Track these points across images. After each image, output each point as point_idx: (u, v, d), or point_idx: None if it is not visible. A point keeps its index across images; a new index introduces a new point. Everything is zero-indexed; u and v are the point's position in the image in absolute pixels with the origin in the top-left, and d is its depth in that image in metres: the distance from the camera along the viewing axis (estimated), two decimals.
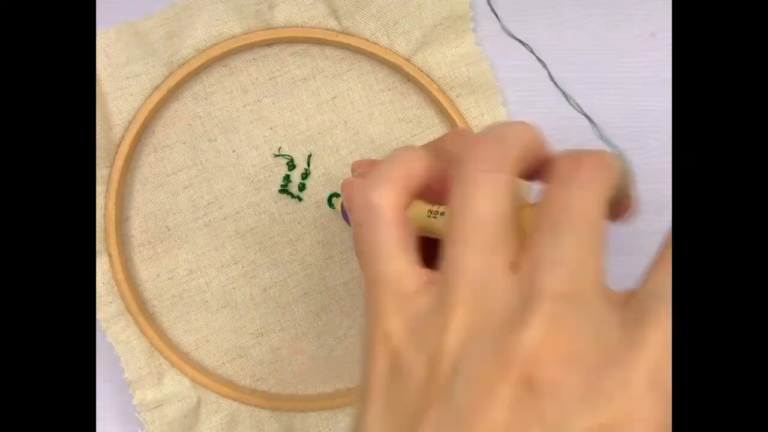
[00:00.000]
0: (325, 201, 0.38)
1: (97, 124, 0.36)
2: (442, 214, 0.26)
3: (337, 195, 0.38)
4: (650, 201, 0.39)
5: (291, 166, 0.38)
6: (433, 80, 0.37)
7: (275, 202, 0.38)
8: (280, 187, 0.38)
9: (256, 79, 0.38)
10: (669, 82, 0.37)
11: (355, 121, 0.38)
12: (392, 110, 0.38)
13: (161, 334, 0.37)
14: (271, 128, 0.38)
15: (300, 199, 0.38)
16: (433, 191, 0.26)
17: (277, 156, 0.38)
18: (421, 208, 0.27)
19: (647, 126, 0.38)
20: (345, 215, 0.33)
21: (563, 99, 0.38)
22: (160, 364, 0.37)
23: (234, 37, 0.37)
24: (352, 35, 0.37)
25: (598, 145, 0.38)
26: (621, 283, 0.38)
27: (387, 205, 0.25)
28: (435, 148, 0.27)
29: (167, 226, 0.38)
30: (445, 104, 0.37)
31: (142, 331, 0.37)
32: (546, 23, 0.37)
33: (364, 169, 0.30)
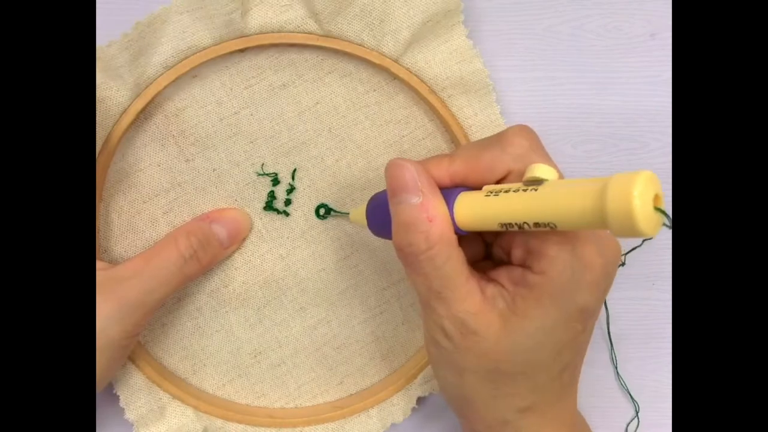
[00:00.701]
0: (313, 213, 0.37)
1: None
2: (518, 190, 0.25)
3: (324, 206, 0.37)
4: None
5: (275, 182, 0.37)
6: (423, 81, 0.35)
7: (261, 219, 0.37)
8: (265, 204, 0.37)
9: (231, 89, 0.36)
10: (669, 82, 0.37)
11: (339, 127, 0.36)
12: (379, 112, 0.37)
13: (156, 365, 0.36)
14: (251, 142, 0.36)
15: (287, 214, 0.37)
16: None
17: (260, 175, 0.36)
18: (472, 194, 0.27)
19: (647, 126, 0.38)
20: (375, 225, 0.32)
21: (561, 98, 0.38)
22: (161, 398, 0.36)
23: (205, 49, 0.34)
24: (335, 38, 0.35)
25: (596, 142, 0.38)
26: (621, 281, 0.38)
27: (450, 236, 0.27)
28: (501, 141, 0.28)
29: None
30: (437, 105, 0.35)
31: (137, 366, 0.36)
32: (546, 23, 0.37)
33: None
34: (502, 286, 0.28)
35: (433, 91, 0.36)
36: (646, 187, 0.21)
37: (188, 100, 0.36)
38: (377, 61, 0.35)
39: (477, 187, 0.28)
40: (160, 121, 0.36)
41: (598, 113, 0.38)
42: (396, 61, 0.35)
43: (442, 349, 0.29)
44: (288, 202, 0.37)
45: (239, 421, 0.37)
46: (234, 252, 0.36)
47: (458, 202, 0.27)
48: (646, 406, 0.39)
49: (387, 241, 0.36)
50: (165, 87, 0.34)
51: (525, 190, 0.25)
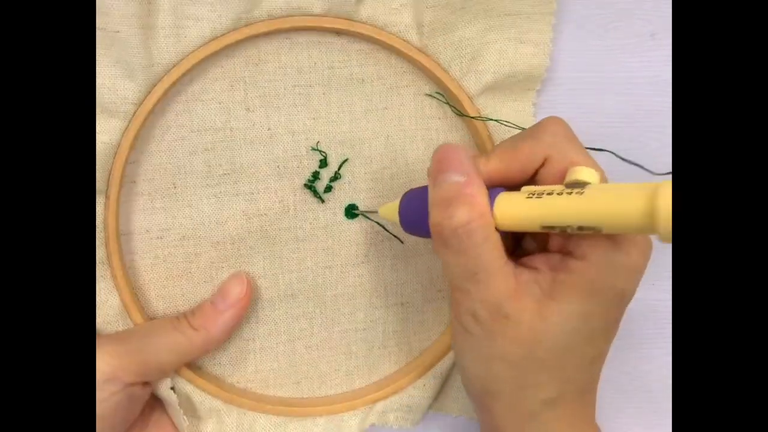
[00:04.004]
0: (343, 208, 0.38)
1: (135, 55, 0.33)
2: (556, 193, 0.25)
3: (355, 206, 0.37)
4: None
5: (323, 163, 0.37)
6: (486, 126, 0.37)
7: (294, 194, 0.37)
8: (306, 181, 0.37)
9: (315, 63, 0.36)
10: (669, 82, 0.37)
11: (397, 138, 0.37)
12: (436, 139, 0.38)
13: (133, 295, 0.35)
14: (314, 118, 0.36)
15: (321, 201, 0.37)
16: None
17: (313, 150, 0.37)
18: (513, 195, 0.27)
19: (647, 126, 0.38)
20: (408, 216, 0.32)
21: (562, 98, 0.38)
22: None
23: (311, 15, 0.34)
24: (427, 56, 0.36)
25: (597, 142, 0.38)
26: None
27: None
28: (537, 130, 0.28)
29: (174, 184, 0.35)
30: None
31: (117, 287, 0.35)
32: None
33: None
34: (538, 272, 0.28)
35: (491, 138, 0.37)
36: None
37: (273, 55, 0.36)
38: (455, 92, 0.36)
39: (514, 187, 0.28)
40: (239, 64, 0.35)
41: (598, 113, 0.38)
42: (471, 98, 0.36)
43: (470, 337, 0.28)
44: (328, 189, 0.37)
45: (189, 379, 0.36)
46: (240, 312, 0.35)
47: (498, 202, 0.27)
48: (646, 406, 0.39)
49: (396, 263, 0.37)
50: (259, 34, 0.35)
51: (569, 193, 0.25)
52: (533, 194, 0.26)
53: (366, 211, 0.37)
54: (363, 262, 0.38)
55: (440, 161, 0.28)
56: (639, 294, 0.38)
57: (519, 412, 0.28)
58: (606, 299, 0.27)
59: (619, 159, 0.37)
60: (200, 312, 0.34)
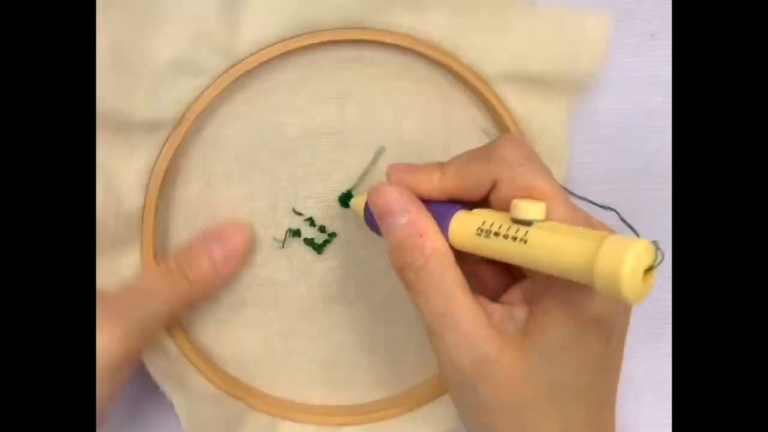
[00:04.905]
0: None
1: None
2: (506, 236, 0.25)
3: (350, 195, 0.37)
4: (650, 201, 0.39)
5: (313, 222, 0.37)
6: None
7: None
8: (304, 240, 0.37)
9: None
10: (669, 82, 0.37)
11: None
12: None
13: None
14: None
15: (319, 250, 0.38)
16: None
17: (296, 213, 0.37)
18: (464, 227, 0.27)
19: (647, 126, 0.38)
20: (371, 222, 0.32)
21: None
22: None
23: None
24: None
25: (596, 142, 0.38)
26: None
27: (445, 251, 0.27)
28: (488, 152, 0.28)
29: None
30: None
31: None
32: None
33: (400, 174, 0.29)
34: (513, 306, 0.27)
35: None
36: (639, 258, 0.21)
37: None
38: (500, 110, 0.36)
39: (470, 201, 0.28)
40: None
41: (598, 113, 0.38)
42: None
43: (457, 386, 0.28)
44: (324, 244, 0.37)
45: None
46: (235, 271, 0.35)
47: (452, 230, 0.27)
48: (646, 406, 0.39)
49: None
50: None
51: (515, 239, 0.25)
52: (482, 231, 0.26)
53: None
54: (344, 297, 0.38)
55: (379, 207, 0.28)
56: None
57: None
58: (580, 324, 0.26)
59: (612, 152, 0.37)
60: (198, 265, 0.33)
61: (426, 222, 0.27)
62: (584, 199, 0.29)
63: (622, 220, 0.27)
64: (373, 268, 0.37)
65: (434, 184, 0.28)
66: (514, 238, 0.25)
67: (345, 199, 0.37)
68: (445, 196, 0.28)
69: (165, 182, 0.34)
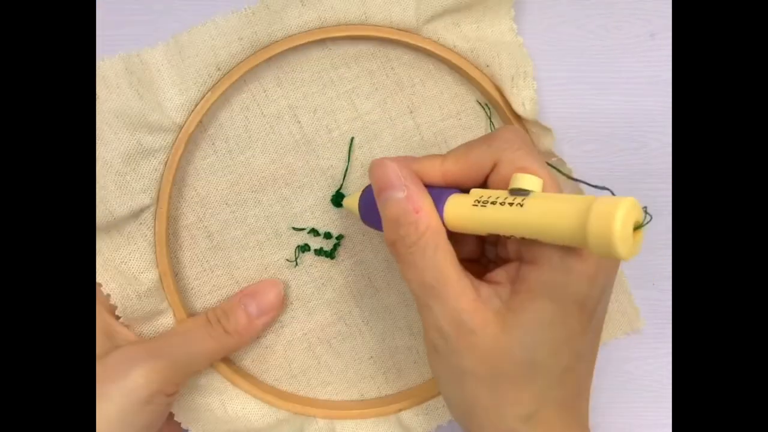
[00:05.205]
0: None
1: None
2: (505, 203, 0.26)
3: (342, 195, 0.37)
4: (650, 201, 0.39)
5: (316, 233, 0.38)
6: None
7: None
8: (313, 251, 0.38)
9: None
10: (669, 82, 0.37)
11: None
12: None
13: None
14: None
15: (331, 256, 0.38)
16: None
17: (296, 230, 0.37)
18: (461, 201, 0.28)
19: (647, 126, 0.38)
20: (368, 217, 0.32)
21: (561, 98, 0.38)
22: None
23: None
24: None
25: (596, 142, 0.38)
26: (620, 279, 0.38)
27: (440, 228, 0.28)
28: (489, 137, 0.29)
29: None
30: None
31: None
32: (546, 23, 0.37)
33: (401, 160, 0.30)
34: (498, 285, 0.28)
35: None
36: (628, 214, 0.22)
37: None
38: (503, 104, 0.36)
39: (469, 187, 0.29)
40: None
41: (598, 113, 0.38)
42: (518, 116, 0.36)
43: (440, 354, 0.28)
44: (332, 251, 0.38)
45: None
46: (270, 322, 0.37)
47: (447, 206, 0.28)
48: (646, 406, 0.39)
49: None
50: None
51: (511, 204, 0.26)
52: (479, 201, 0.27)
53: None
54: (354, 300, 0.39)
55: (378, 179, 0.29)
56: (639, 293, 0.39)
57: (499, 429, 0.28)
58: (562, 306, 0.27)
59: (612, 152, 0.37)
60: (234, 318, 0.35)
61: (423, 199, 0.28)
62: (580, 180, 0.31)
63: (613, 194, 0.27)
64: (390, 255, 0.38)
65: (436, 170, 0.29)
66: (511, 204, 0.25)
67: (338, 199, 0.37)
68: (445, 181, 0.29)
69: (170, 248, 0.36)
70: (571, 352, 0.28)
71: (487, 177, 0.29)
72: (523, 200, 0.25)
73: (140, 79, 0.34)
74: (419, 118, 0.37)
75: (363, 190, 0.33)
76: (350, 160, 0.37)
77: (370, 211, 0.32)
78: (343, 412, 0.38)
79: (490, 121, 0.37)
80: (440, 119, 0.37)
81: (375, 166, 0.29)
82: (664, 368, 0.39)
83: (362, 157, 0.37)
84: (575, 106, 0.38)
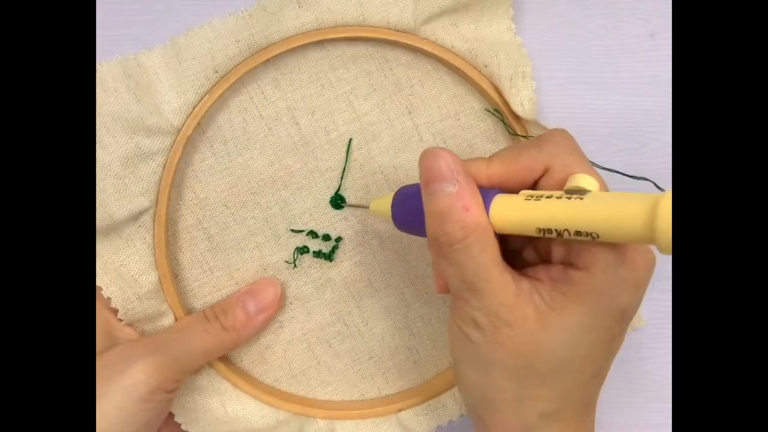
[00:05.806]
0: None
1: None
2: (560, 197, 0.25)
3: (341, 197, 0.37)
4: None
5: (314, 235, 0.38)
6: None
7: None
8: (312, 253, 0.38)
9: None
10: (669, 82, 0.37)
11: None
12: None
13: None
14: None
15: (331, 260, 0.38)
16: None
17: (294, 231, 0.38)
18: (511, 198, 0.27)
19: (647, 126, 0.38)
20: (402, 216, 0.31)
21: (561, 98, 0.38)
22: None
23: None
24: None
25: (596, 142, 0.38)
26: None
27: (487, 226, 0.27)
28: (541, 141, 0.29)
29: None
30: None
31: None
32: (546, 23, 0.37)
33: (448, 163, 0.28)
34: (539, 282, 0.28)
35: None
36: None
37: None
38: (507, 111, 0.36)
39: (514, 191, 0.28)
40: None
41: (598, 113, 0.38)
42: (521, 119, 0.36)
43: (470, 344, 0.28)
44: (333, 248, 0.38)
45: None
46: (268, 320, 0.37)
47: (495, 203, 0.27)
48: (646, 406, 0.39)
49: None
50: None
51: (569, 198, 0.25)
52: (531, 197, 0.26)
53: (354, 204, 0.37)
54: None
55: (429, 169, 0.27)
56: None
57: (515, 424, 0.28)
58: (608, 313, 0.27)
59: (612, 152, 0.37)
60: (232, 315, 0.35)
61: (473, 197, 0.27)
62: (617, 171, 0.31)
63: (658, 188, 0.28)
64: (389, 256, 0.38)
65: (481, 172, 0.28)
66: (569, 198, 0.25)
67: (337, 201, 0.37)
68: (490, 184, 0.28)
69: (169, 250, 0.36)
70: (603, 356, 0.28)
71: (535, 181, 0.28)
72: (581, 196, 0.25)
73: (138, 82, 0.34)
74: (418, 119, 0.37)
75: (396, 193, 0.32)
76: (348, 161, 0.37)
77: (408, 210, 0.31)
78: (343, 412, 0.38)
79: (505, 123, 0.37)
80: (439, 120, 0.37)
81: (427, 156, 0.28)
82: (664, 368, 0.39)
83: (361, 158, 0.37)
84: (575, 106, 0.38)
